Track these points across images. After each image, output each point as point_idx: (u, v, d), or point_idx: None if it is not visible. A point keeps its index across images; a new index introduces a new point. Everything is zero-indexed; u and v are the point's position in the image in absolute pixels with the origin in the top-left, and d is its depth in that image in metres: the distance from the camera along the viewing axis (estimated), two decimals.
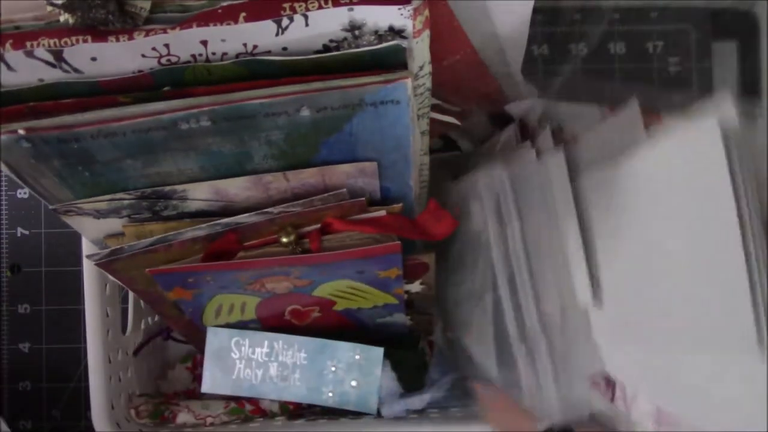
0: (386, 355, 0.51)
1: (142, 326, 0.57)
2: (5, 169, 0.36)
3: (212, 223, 0.41)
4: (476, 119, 0.56)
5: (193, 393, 0.54)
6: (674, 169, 0.37)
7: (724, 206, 0.34)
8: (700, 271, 0.36)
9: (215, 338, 0.51)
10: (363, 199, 0.41)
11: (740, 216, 0.33)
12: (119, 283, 0.47)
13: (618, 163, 0.40)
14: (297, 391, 0.51)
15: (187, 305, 0.49)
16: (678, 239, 0.37)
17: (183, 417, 0.51)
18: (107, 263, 0.43)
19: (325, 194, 0.40)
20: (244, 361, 0.51)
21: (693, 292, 0.37)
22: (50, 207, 0.41)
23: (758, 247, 0.34)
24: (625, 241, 0.41)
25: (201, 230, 0.41)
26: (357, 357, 0.50)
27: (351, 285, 0.48)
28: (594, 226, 0.43)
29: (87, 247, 0.46)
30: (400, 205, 0.43)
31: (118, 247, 0.42)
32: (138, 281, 0.46)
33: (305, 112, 0.34)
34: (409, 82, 0.33)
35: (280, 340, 0.51)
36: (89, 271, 0.48)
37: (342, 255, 0.43)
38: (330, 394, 0.51)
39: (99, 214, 0.42)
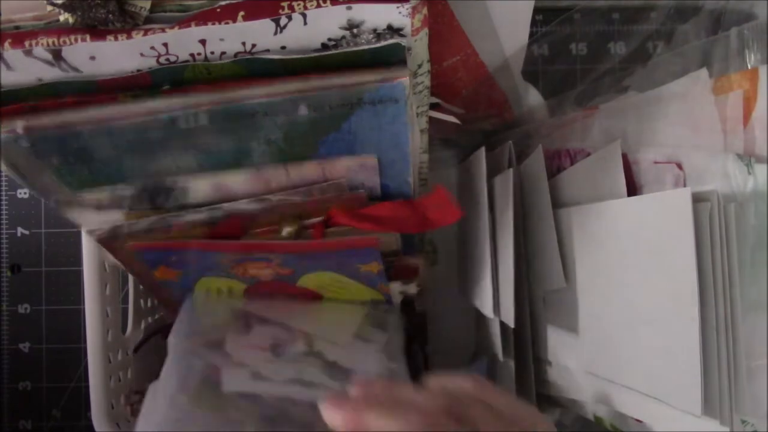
0: None
1: (142, 326, 0.56)
2: (4, 168, 0.36)
3: (212, 207, 0.41)
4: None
5: None
6: (645, 228, 0.38)
7: (686, 275, 0.34)
8: (658, 323, 0.37)
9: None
10: (362, 192, 0.41)
11: (702, 287, 0.34)
12: (118, 264, 0.46)
13: (598, 206, 0.43)
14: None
15: (174, 286, 0.49)
16: (640, 289, 0.39)
17: None
18: (107, 239, 0.43)
19: (324, 183, 0.40)
20: None
21: (649, 340, 0.38)
22: (50, 200, 0.40)
23: (720, 324, 0.35)
24: (598, 274, 0.43)
25: (200, 213, 0.41)
26: None
27: (334, 277, 0.48)
28: (576, 255, 0.46)
29: (87, 245, 0.46)
30: None
31: (119, 224, 0.42)
32: (135, 262, 0.46)
33: (304, 111, 0.34)
34: (407, 80, 0.33)
35: None
36: (89, 271, 0.48)
37: (318, 245, 0.43)
38: None
39: (100, 207, 0.42)
